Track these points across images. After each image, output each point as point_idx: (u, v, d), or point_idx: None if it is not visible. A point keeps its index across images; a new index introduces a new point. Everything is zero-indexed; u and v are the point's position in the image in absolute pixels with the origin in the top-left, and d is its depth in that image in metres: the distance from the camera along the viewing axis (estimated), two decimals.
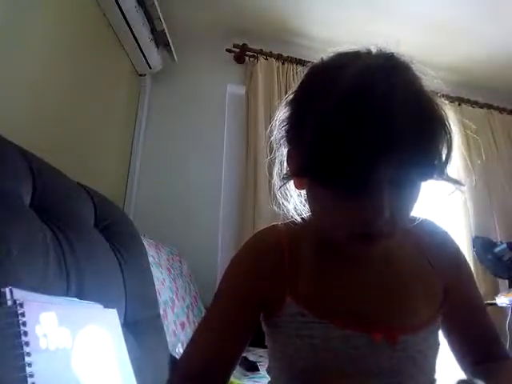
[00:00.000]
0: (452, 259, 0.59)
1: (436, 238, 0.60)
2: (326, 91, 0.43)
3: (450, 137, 0.45)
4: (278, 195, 0.58)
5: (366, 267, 0.54)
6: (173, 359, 1.02)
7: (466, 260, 0.62)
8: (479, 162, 2.36)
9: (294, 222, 0.58)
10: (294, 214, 0.58)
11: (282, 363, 0.55)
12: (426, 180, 0.45)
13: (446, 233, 0.62)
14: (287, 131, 0.53)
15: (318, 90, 0.45)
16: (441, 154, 0.44)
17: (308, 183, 0.51)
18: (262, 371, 1.29)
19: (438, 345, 0.54)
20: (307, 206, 0.56)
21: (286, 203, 0.59)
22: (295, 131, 0.50)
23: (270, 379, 0.60)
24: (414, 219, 0.57)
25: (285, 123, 0.53)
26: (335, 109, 0.41)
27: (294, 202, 0.59)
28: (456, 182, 0.49)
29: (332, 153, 0.41)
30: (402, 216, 0.46)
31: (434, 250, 0.58)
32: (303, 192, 0.56)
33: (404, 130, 0.40)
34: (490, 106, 2.56)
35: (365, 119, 0.40)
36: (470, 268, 0.62)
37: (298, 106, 0.50)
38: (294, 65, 2.22)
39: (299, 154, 0.49)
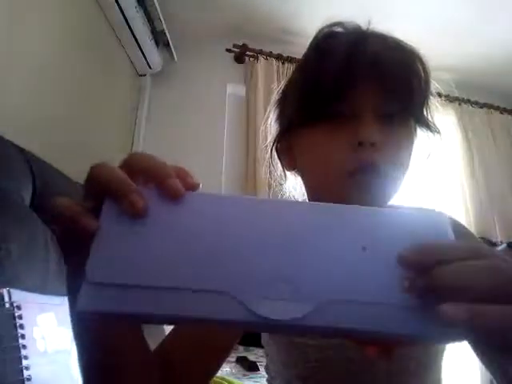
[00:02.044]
0: None
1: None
2: (307, 49, 0.50)
3: (426, 71, 0.46)
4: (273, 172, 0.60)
5: None
6: None
7: None
8: (479, 162, 2.36)
9: None
10: (292, 192, 0.60)
11: (277, 366, 0.54)
12: (405, 115, 0.46)
13: (453, 221, 0.54)
14: (277, 106, 0.57)
15: (300, 60, 0.52)
16: (415, 85, 0.45)
17: (299, 139, 0.50)
18: (262, 371, 1.29)
19: (443, 349, 0.50)
20: (301, 179, 0.56)
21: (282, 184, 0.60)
22: (283, 95, 0.55)
23: (268, 377, 0.59)
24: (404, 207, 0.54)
25: (276, 103, 0.57)
26: (312, 49, 0.48)
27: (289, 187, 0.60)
28: (434, 127, 0.50)
29: (316, 83, 0.44)
30: (391, 153, 0.44)
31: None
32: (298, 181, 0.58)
33: (377, 54, 0.43)
34: (489, 106, 2.56)
35: (339, 46, 0.44)
36: None
37: (285, 83, 0.56)
38: (294, 65, 2.21)
39: (288, 106, 0.51)
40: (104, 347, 0.33)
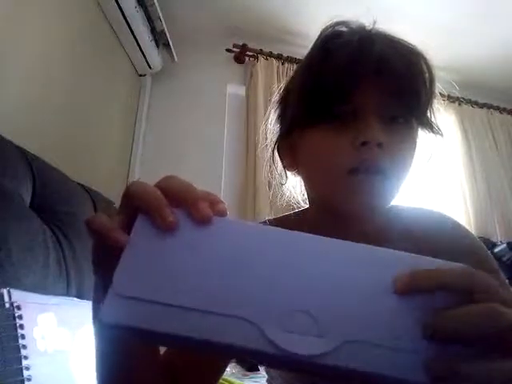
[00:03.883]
0: (460, 255, 0.47)
1: (433, 228, 0.51)
2: (311, 49, 0.49)
3: (431, 72, 0.46)
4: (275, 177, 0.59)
5: None
6: None
7: (486, 257, 0.50)
8: (479, 162, 2.36)
9: (287, 216, 0.57)
10: (292, 191, 0.59)
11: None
12: (409, 117, 0.46)
13: (452, 222, 0.53)
14: (279, 106, 0.56)
15: (303, 60, 0.51)
16: (420, 88, 0.45)
17: (301, 138, 0.49)
18: (262, 371, 1.29)
19: None
20: (302, 183, 0.55)
21: (282, 187, 0.60)
22: (285, 94, 0.54)
23: (267, 378, 0.59)
24: (406, 208, 0.54)
25: (277, 103, 0.56)
26: (316, 49, 0.48)
27: (290, 190, 0.60)
28: (437, 129, 0.49)
29: (320, 83, 0.44)
30: (395, 154, 0.44)
31: (430, 242, 0.48)
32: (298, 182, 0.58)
33: (382, 55, 0.43)
34: (490, 106, 2.56)
35: (343, 47, 0.44)
36: (493, 268, 0.50)
37: (287, 82, 0.55)
38: (294, 65, 2.21)
39: (290, 106, 0.51)
40: (124, 351, 0.35)
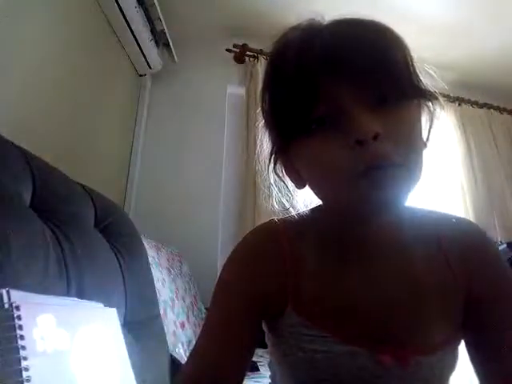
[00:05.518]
0: (484, 266, 0.49)
1: (461, 237, 0.51)
2: (267, 67, 0.47)
3: (395, 39, 0.43)
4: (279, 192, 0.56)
5: (375, 267, 0.47)
6: (174, 360, 1.02)
7: (508, 272, 0.50)
8: (479, 162, 2.36)
9: (293, 217, 0.54)
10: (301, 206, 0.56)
11: (282, 368, 0.52)
12: (398, 94, 0.41)
13: (479, 231, 0.53)
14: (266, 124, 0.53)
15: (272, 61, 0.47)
16: (389, 58, 0.41)
17: (297, 152, 0.46)
18: (263, 371, 1.29)
19: (456, 360, 0.49)
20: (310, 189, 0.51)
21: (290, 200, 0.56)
22: (265, 104, 0.50)
23: (270, 374, 0.58)
24: (429, 211, 0.53)
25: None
26: (284, 50, 0.44)
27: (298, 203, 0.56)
28: (430, 94, 0.45)
29: (286, 95, 0.42)
30: (399, 138, 0.40)
31: (458, 251, 0.49)
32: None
33: (354, 46, 0.40)
34: (489, 106, 2.56)
35: (312, 45, 0.41)
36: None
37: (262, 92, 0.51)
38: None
39: (275, 120, 0.48)
40: None
